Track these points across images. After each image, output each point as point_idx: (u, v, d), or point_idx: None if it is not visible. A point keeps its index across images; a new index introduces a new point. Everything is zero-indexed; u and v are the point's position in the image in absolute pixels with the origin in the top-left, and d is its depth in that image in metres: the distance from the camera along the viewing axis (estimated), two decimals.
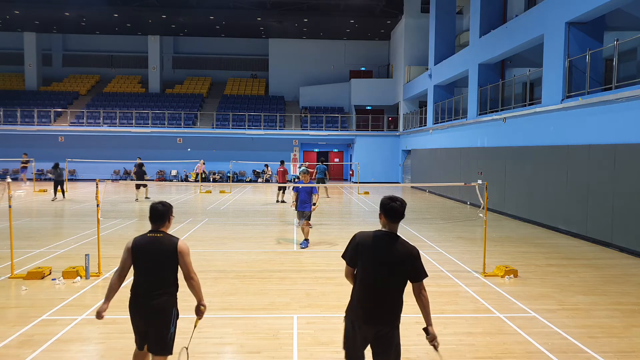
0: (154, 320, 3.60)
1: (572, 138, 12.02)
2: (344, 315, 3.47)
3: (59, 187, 18.93)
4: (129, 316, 3.68)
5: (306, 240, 10.19)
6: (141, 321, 3.63)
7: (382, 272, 3.29)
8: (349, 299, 3.46)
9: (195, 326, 3.88)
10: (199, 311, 3.77)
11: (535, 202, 13.53)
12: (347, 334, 3.43)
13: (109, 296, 3.71)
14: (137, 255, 3.64)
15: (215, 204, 18.35)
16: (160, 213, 3.72)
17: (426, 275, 3.35)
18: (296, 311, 6.10)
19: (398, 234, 3.40)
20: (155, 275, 3.63)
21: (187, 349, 3.96)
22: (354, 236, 3.45)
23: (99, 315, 3.71)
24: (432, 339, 3.32)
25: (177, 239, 3.72)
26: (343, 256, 3.49)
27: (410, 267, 3.30)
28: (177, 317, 3.76)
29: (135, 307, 3.63)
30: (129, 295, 3.67)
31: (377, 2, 27.90)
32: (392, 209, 3.34)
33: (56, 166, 18.76)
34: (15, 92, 34.05)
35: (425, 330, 3.32)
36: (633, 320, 5.87)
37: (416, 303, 3.36)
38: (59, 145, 29.82)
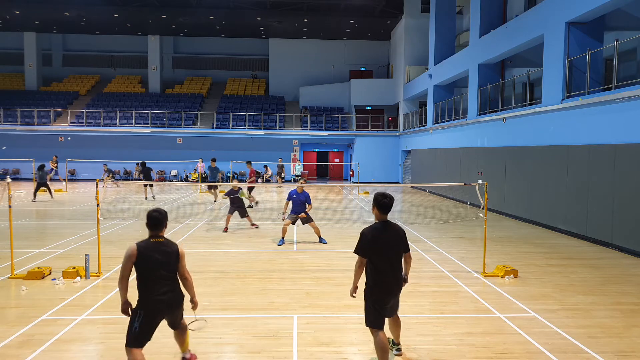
0: (178, 309, 4.24)
1: (572, 138, 12.02)
2: (365, 298, 4.38)
3: (41, 189, 18.31)
4: (145, 314, 3.98)
5: (282, 238, 10.54)
6: (166, 312, 4.14)
7: (394, 253, 4.36)
8: (365, 284, 4.39)
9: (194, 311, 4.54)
10: (193, 305, 4.42)
11: (535, 202, 13.53)
12: (376, 310, 4.31)
13: (124, 293, 4.09)
14: (145, 259, 4.02)
15: (215, 203, 18.34)
16: (159, 220, 4.19)
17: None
18: (296, 311, 6.10)
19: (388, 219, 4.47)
20: (167, 274, 4.11)
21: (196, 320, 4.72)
22: (365, 233, 4.32)
23: (126, 311, 4.10)
24: (405, 281, 4.53)
25: (176, 243, 4.28)
26: (356, 251, 4.32)
27: (403, 242, 4.43)
28: None
29: (158, 303, 4.04)
30: (144, 297, 4.02)
31: (377, 2, 27.89)
32: (384, 205, 4.38)
33: (41, 167, 18.24)
34: (15, 92, 34.04)
35: (404, 278, 4.53)
36: (633, 320, 5.87)
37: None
38: (59, 145, 29.81)
